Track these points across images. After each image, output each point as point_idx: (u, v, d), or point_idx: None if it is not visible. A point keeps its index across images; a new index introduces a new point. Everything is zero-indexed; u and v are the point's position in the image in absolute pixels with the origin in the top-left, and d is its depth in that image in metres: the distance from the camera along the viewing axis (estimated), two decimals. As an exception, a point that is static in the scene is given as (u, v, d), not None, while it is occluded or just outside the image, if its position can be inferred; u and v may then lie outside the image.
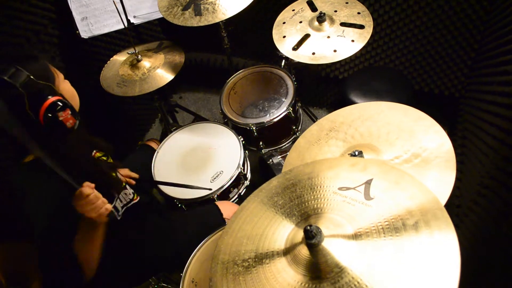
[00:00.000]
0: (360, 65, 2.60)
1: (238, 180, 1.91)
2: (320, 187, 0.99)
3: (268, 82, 2.21)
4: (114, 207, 1.41)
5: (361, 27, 1.76)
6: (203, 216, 1.73)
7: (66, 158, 1.25)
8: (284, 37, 1.86)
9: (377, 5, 2.26)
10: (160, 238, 1.64)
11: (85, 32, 2.19)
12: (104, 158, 1.54)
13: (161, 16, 2.01)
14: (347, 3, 1.87)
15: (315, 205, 0.96)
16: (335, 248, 0.83)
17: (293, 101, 2.06)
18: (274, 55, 2.14)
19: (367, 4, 2.22)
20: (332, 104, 2.91)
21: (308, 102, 2.83)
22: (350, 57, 1.73)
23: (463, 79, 2.37)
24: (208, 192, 1.79)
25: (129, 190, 1.57)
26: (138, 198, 1.59)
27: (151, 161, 1.98)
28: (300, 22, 1.88)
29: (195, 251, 1.48)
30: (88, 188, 1.17)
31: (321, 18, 1.80)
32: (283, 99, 2.10)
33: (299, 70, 2.39)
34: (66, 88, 1.31)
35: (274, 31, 1.90)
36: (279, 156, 2.10)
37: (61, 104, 1.18)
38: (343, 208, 0.92)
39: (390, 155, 1.23)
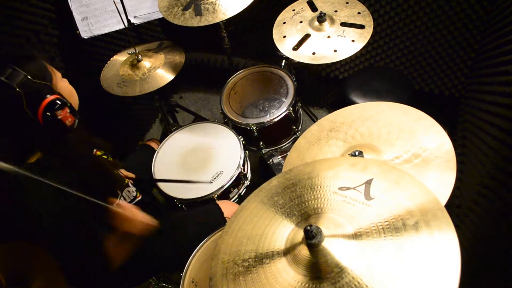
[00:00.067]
0: (360, 65, 2.61)
1: (238, 180, 1.91)
2: (320, 187, 0.99)
3: (269, 82, 2.21)
4: None
5: (361, 27, 1.76)
6: (204, 215, 1.73)
7: (67, 156, 1.25)
8: (284, 37, 1.86)
9: (378, 5, 2.26)
10: (160, 238, 1.63)
11: (85, 32, 2.19)
12: (105, 156, 1.54)
13: (161, 16, 2.01)
14: (347, 3, 1.87)
15: (315, 205, 0.96)
16: (335, 248, 0.83)
17: (293, 101, 2.06)
18: (274, 55, 2.14)
19: (368, 4, 2.22)
20: (333, 104, 2.91)
21: (308, 102, 2.83)
22: (351, 57, 1.73)
23: (463, 79, 2.37)
24: (208, 192, 1.79)
25: (132, 188, 1.57)
26: (141, 196, 1.60)
27: (151, 161, 1.98)
28: (301, 22, 1.88)
29: (195, 251, 1.48)
30: (122, 207, 1.19)
31: (321, 18, 1.80)
32: (283, 99, 2.10)
33: (299, 70, 2.39)
34: (64, 86, 1.31)
35: (274, 31, 1.90)
36: (279, 156, 2.10)
37: (59, 102, 1.18)
38: (343, 208, 0.92)
39: (391, 155, 1.23)
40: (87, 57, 2.45)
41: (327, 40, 1.78)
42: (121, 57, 2.24)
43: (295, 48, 1.80)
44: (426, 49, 2.34)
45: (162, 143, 2.09)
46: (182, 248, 1.55)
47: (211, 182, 1.81)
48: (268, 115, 2.05)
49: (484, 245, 1.64)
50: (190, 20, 1.88)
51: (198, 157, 1.97)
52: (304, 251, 0.85)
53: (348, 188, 0.95)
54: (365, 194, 0.92)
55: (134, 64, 2.14)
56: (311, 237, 0.83)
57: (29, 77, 1.15)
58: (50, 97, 1.17)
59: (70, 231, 1.21)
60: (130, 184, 1.57)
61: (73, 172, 1.24)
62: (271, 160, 2.07)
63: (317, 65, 2.59)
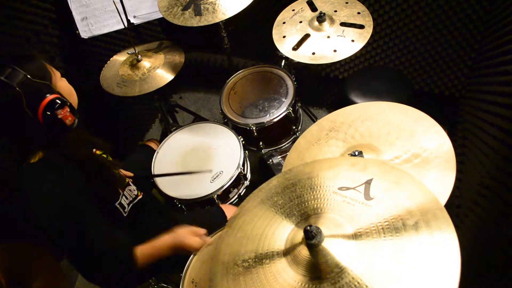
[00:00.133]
0: (360, 65, 2.61)
1: (238, 180, 1.91)
2: (320, 187, 0.99)
3: (268, 82, 2.21)
4: (120, 204, 1.41)
5: (361, 27, 1.76)
6: (207, 217, 1.73)
7: (68, 155, 1.25)
8: (284, 37, 1.86)
9: (377, 5, 2.26)
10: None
11: (85, 32, 2.19)
12: (104, 156, 1.54)
13: (161, 16, 2.01)
14: (347, 3, 1.87)
15: (315, 205, 0.96)
16: (335, 248, 0.83)
17: (293, 101, 2.06)
18: (274, 55, 2.14)
19: (367, 4, 2.22)
20: (332, 104, 2.91)
21: (308, 102, 2.83)
22: (350, 57, 1.73)
23: (463, 79, 2.37)
24: (208, 192, 1.79)
25: (133, 186, 1.57)
26: (142, 194, 1.60)
27: (150, 161, 1.98)
28: (300, 22, 1.88)
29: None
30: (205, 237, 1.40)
31: (321, 18, 1.80)
32: (283, 99, 2.09)
33: (299, 70, 2.39)
34: (63, 86, 1.31)
35: (274, 31, 1.90)
36: (279, 156, 2.10)
37: (59, 101, 1.18)
38: (343, 208, 0.91)
39: (390, 155, 1.23)
40: (87, 57, 2.45)
41: (326, 40, 1.78)
42: (120, 57, 2.24)
43: (295, 48, 1.80)
44: (426, 49, 2.34)
45: (162, 143, 2.08)
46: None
47: (211, 171, 1.81)
48: (268, 115, 2.05)
49: (484, 245, 1.64)
50: (190, 20, 1.88)
51: (198, 157, 1.97)
52: (304, 252, 0.85)
53: (348, 188, 0.95)
54: (365, 194, 0.92)
55: (134, 64, 2.14)
56: (311, 237, 0.83)
57: (28, 76, 1.15)
58: (50, 97, 1.17)
59: (74, 231, 1.22)
60: (130, 183, 1.57)
61: (77, 172, 1.24)
62: (270, 160, 2.07)
63: (316, 65, 2.59)
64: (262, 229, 0.98)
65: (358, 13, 1.81)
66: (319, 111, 2.90)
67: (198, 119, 2.78)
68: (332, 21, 1.82)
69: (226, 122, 2.14)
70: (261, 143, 2.15)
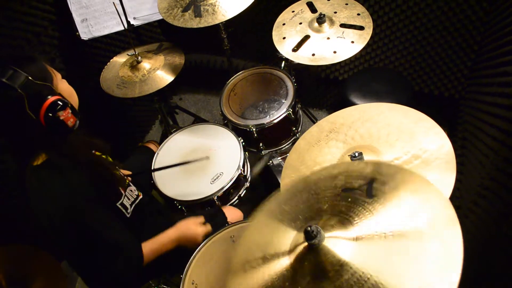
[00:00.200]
0: (360, 66, 2.61)
1: (238, 181, 1.91)
2: (324, 189, 0.99)
3: (268, 84, 2.21)
4: (122, 204, 1.42)
5: (360, 28, 1.76)
6: (207, 218, 1.73)
7: (71, 157, 1.25)
8: (284, 38, 1.86)
9: (377, 7, 2.26)
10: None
11: (85, 33, 2.19)
12: (104, 156, 1.54)
13: (161, 17, 2.01)
14: (346, 4, 1.87)
15: (318, 207, 0.96)
16: (335, 248, 0.83)
17: (293, 103, 2.06)
18: (274, 57, 2.14)
19: (367, 5, 2.22)
20: (332, 106, 2.91)
21: (308, 103, 2.83)
22: (350, 58, 1.73)
23: (463, 80, 2.38)
24: (208, 193, 1.79)
25: (133, 187, 1.57)
26: (142, 194, 1.60)
27: (150, 163, 1.98)
28: (300, 23, 1.89)
29: (195, 252, 1.48)
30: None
31: (321, 20, 1.81)
32: (283, 101, 2.10)
33: (299, 71, 2.39)
34: (64, 87, 1.32)
35: (274, 33, 1.90)
36: (279, 158, 2.10)
37: (61, 103, 1.18)
38: (344, 209, 0.92)
39: (390, 156, 1.23)
40: (87, 58, 2.46)
41: (326, 41, 1.78)
42: (120, 59, 2.25)
43: (295, 49, 1.81)
44: (426, 50, 2.35)
45: (162, 144, 2.09)
46: (183, 250, 1.55)
47: (208, 158, 1.83)
48: (268, 116, 2.06)
49: (484, 245, 1.64)
50: (190, 22, 1.88)
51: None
52: (305, 252, 0.86)
53: (350, 189, 0.95)
54: (367, 194, 0.92)
55: (134, 66, 2.14)
56: (311, 238, 0.83)
57: (30, 78, 1.15)
58: (51, 98, 1.17)
59: (78, 232, 1.22)
60: (130, 184, 1.57)
61: (79, 172, 1.24)
62: (270, 161, 2.07)
63: (316, 66, 2.59)
64: (269, 236, 0.99)
65: (358, 14, 1.81)
66: (319, 112, 2.91)
67: (198, 120, 2.78)
68: (332, 22, 1.82)
69: (226, 123, 2.14)
70: (261, 144, 2.15)
